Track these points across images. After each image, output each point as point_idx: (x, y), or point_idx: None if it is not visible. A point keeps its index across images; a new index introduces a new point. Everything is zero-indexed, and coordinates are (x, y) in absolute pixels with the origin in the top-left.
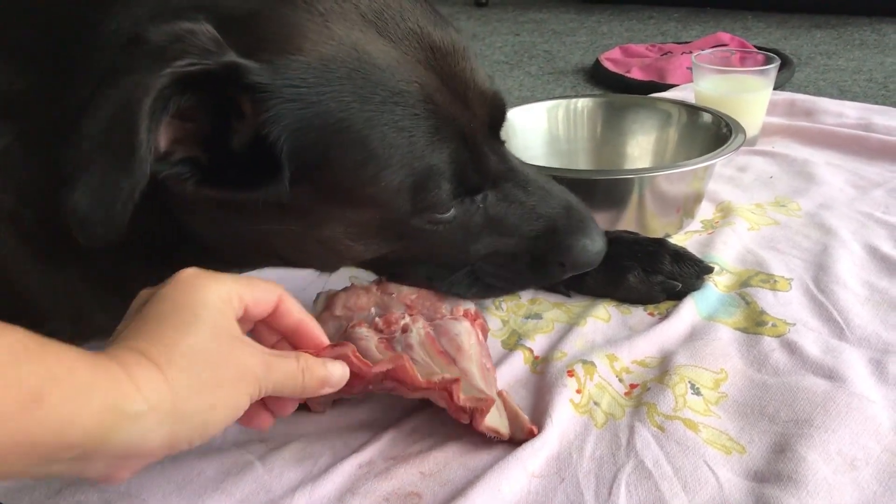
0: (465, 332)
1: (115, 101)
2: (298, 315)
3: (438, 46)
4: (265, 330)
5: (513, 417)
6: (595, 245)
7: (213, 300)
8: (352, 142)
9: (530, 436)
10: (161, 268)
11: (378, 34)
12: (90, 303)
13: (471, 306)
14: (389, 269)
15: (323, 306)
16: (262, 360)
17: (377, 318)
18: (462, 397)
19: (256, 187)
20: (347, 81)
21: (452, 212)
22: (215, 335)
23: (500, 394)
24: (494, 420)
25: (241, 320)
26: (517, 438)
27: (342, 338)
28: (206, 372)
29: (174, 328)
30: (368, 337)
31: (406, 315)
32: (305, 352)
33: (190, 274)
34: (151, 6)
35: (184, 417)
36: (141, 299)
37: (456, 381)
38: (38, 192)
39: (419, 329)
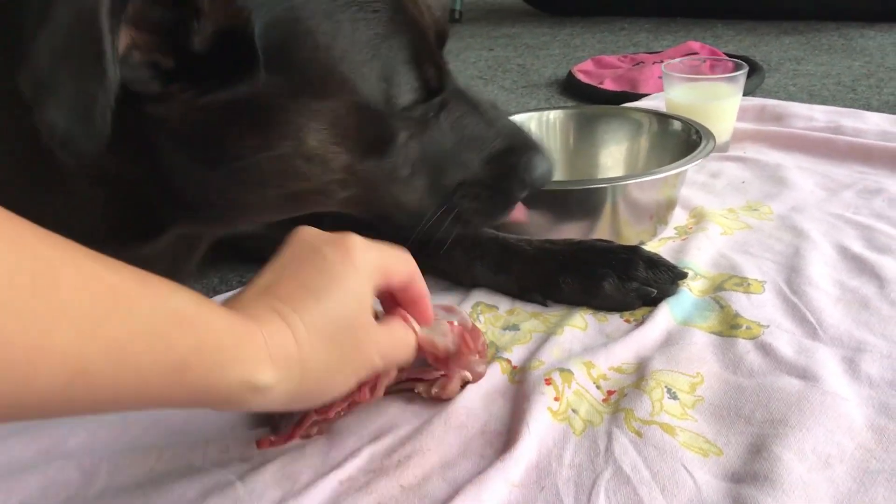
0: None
1: (72, 7)
2: (423, 290)
3: None
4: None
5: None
6: (546, 161)
7: (360, 268)
8: (321, 22)
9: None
10: (150, 229)
11: None
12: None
13: (454, 318)
14: (373, 212)
15: None
16: (387, 344)
17: None
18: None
19: (229, 85)
20: None
21: (412, 109)
22: (353, 310)
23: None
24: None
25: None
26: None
27: None
28: (335, 351)
29: (315, 294)
30: None
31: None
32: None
33: (342, 236)
34: None
35: (305, 391)
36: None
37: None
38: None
39: None
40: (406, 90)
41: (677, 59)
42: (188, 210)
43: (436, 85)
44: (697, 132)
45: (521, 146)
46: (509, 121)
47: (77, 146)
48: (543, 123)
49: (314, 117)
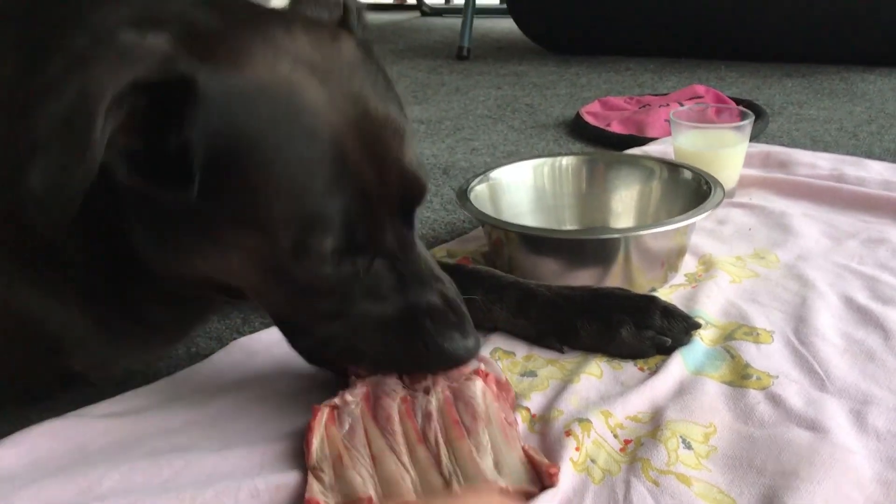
0: (479, 393)
1: (79, 90)
2: None
3: (372, 114)
4: None
5: (538, 467)
6: (464, 343)
7: None
8: (256, 162)
9: (553, 478)
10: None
11: (319, 83)
12: (93, 330)
13: (479, 364)
14: (287, 328)
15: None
16: None
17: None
18: None
19: (171, 188)
20: (270, 108)
21: (334, 266)
22: None
23: (523, 448)
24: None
25: None
26: (546, 486)
27: (374, 393)
28: None
29: None
30: (395, 393)
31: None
32: None
33: None
34: (132, 12)
35: None
36: None
37: None
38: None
39: (439, 394)
40: (320, 249)
41: (685, 107)
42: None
43: (363, 248)
44: (707, 182)
45: (435, 318)
46: (444, 290)
47: (48, 212)
48: (556, 168)
49: (233, 241)
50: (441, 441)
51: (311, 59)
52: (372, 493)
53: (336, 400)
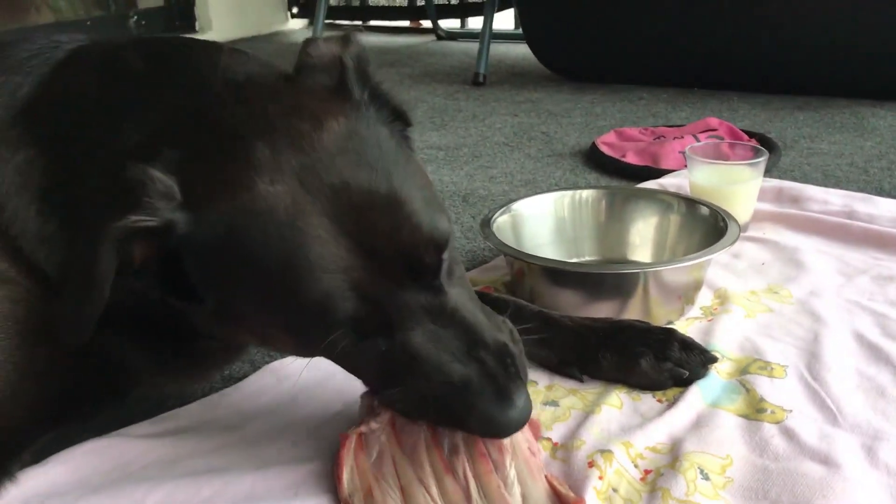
0: None
1: (86, 245)
2: None
3: (354, 200)
4: None
5: (564, 500)
6: (505, 415)
7: None
8: (248, 283)
9: None
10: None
11: (299, 185)
12: (144, 358)
13: None
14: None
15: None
16: None
17: None
18: None
19: (196, 302)
20: (249, 230)
21: (355, 350)
22: None
23: (548, 480)
24: None
25: None
26: None
27: (389, 431)
28: None
29: None
30: (419, 432)
31: None
32: None
33: None
34: (148, 127)
35: None
36: None
37: None
38: None
39: None
40: (331, 342)
41: (700, 143)
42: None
43: (372, 331)
44: (724, 219)
45: (476, 389)
46: (485, 351)
47: (71, 335)
48: (576, 201)
49: (266, 335)
50: (469, 474)
51: (289, 166)
52: None
53: (362, 427)
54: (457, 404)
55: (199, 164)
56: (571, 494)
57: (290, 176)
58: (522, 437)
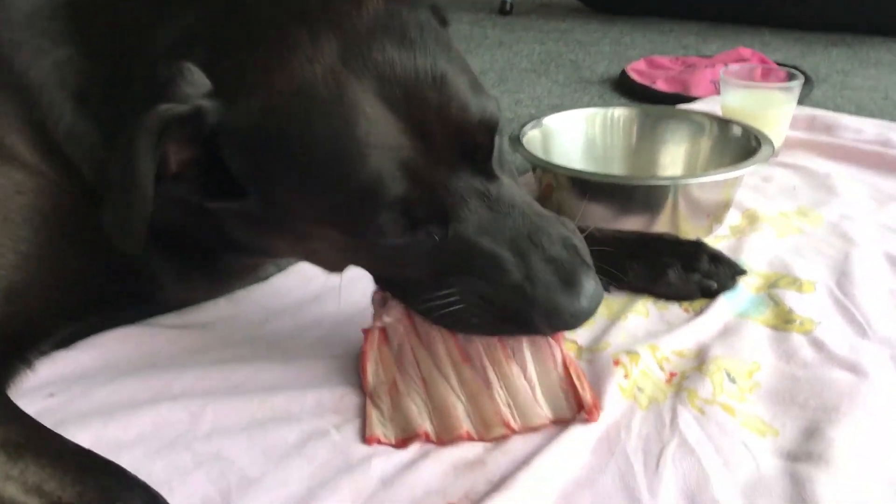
0: None
1: (123, 144)
2: None
3: (400, 76)
4: None
5: (580, 400)
6: (572, 304)
7: None
8: (291, 167)
9: (594, 415)
10: (220, 253)
11: (341, 63)
12: (170, 272)
13: None
14: (388, 284)
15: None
16: None
17: None
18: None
19: (237, 201)
20: (290, 111)
21: (405, 239)
22: None
23: (567, 375)
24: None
25: None
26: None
27: (406, 323)
28: None
29: None
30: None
31: None
32: None
33: None
34: (181, 27)
35: None
36: None
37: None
38: None
39: None
40: (381, 228)
41: (734, 66)
42: (245, 249)
43: (424, 217)
44: (757, 139)
45: (543, 283)
46: (550, 244)
47: (120, 244)
48: (608, 120)
49: (309, 233)
50: (486, 362)
51: (329, 47)
52: (428, 425)
53: (385, 318)
54: (519, 299)
55: (230, 53)
56: (588, 395)
57: (330, 55)
58: None
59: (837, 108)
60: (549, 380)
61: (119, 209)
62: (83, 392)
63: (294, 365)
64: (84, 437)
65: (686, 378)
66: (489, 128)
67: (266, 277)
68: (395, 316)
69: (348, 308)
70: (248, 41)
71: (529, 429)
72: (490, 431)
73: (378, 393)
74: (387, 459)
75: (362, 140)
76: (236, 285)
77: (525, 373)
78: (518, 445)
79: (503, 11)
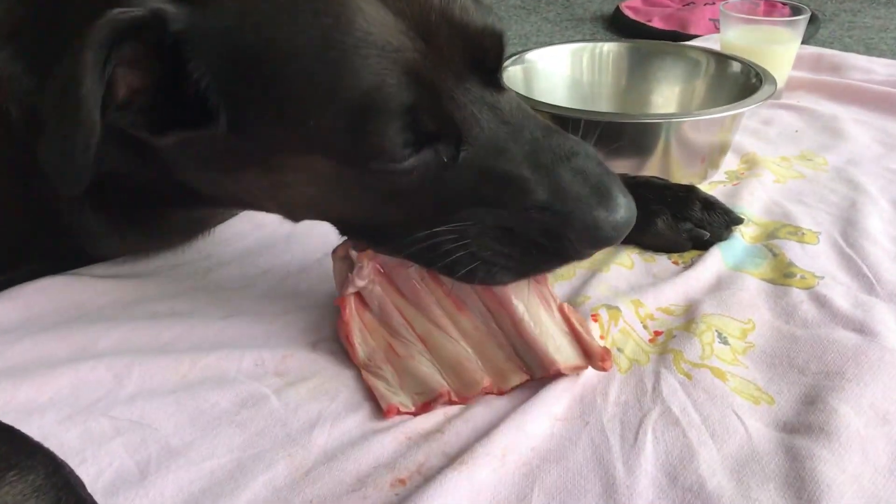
0: None
1: (66, 61)
2: None
3: None
4: None
5: (588, 349)
6: (611, 215)
7: None
8: (270, 77)
9: (607, 364)
10: (164, 206)
11: None
12: (104, 227)
13: None
14: (363, 230)
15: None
16: None
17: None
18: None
19: (199, 129)
20: (269, 11)
21: (410, 162)
22: None
23: (569, 325)
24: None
25: None
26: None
27: (384, 266)
28: None
29: None
30: (409, 275)
31: None
32: None
33: None
34: None
35: None
36: None
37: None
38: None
39: None
40: (385, 143)
41: (736, 0)
42: (192, 198)
43: (434, 130)
44: (758, 75)
45: (574, 197)
46: (575, 158)
47: (62, 179)
48: (596, 55)
49: (286, 165)
50: (483, 308)
51: None
52: (446, 384)
53: (358, 283)
54: (550, 220)
55: None
56: (594, 343)
57: None
58: None
59: (845, 48)
60: (550, 327)
61: (59, 139)
62: None
63: (235, 321)
64: None
65: (672, 338)
66: (496, 33)
67: (209, 232)
68: (367, 276)
69: (301, 258)
70: None
71: (547, 375)
72: (507, 381)
73: (375, 362)
74: (332, 428)
75: (361, 39)
76: (176, 241)
77: (516, 320)
78: (480, 412)
79: None
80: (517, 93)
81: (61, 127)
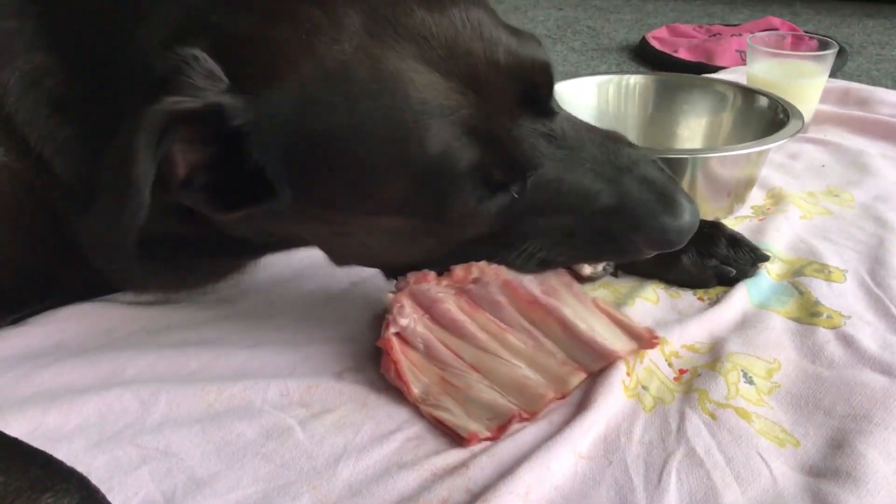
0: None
1: (119, 142)
2: None
3: (437, 34)
4: None
5: (635, 332)
6: (677, 221)
7: None
8: (338, 160)
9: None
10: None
11: (369, 36)
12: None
13: None
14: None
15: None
16: None
17: (443, 279)
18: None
19: (263, 202)
20: (328, 100)
21: (486, 206)
22: None
23: (608, 313)
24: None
25: None
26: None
27: (422, 304)
28: None
29: None
30: (445, 296)
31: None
32: None
33: None
34: (172, 22)
35: None
36: None
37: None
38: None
39: (493, 281)
40: (462, 202)
41: (762, 33)
42: (242, 248)
43: (504, 178)
44: (785, 110)
45: (640, 203)
46: (637, 167)
47: (102, 253)
48: (623, 88)
49: (357, 225)
50: (527, 324)
51: (349, 19)
52: (512, 405)
53: (392, 329)
54: (618, 226)
55: (237, 44)
56: (640, 326)
57: (355, 30)
58: (557, 281)
59: (873, 81)
60: (596, 322)
61: (107, 216)
62: (26, 374)
63: (261, 350)
64: (20, 425)
65: (697, 377)
66: (544, 64)
67: (241, 272)
68: (408, 315)
69: (327, 287)
70: (256, 29)
71: (604, 366)
72: (567, 384)
73: (432, 396)
74: (356, 462)
75: (419, 111)
76: (208, 282)
77: (565, 324)
78: (506, 448)
79: None
80: None
81: (112, 201)
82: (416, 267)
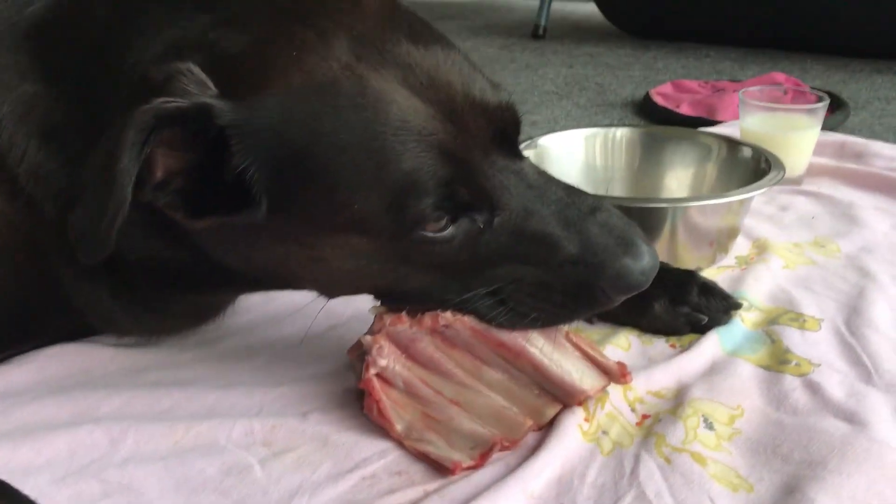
0: None
1: (107, 139)
2: None
3: (421, 65)
4: None
5: (606, 369)
6: (638, 263)
7: None
8: (318, 169)
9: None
10: (188, 291)
11: (357, 58)
12: (118, 311)
13: None
14: (400, 297)
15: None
16: None
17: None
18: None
19: (237, 212)
20: (313, 108)
21: (450, 231)
22: None
23: (579, 348)
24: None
25: None
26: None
27: (399, 344)
28: None
29: None
30: (421, 335)
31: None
32: None
33: None
34: (164, 42)
35: None
36: None
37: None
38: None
39: (461, 324)
40: (422, 217)
41: (756, 87)
42: (225, 279)
43: (470, 202)
44: (767, 161)
45: (602, 248)
46: (599, 214)
47: (86, 246)
48: (609, 140)
49: (326, 243)
50: (500, 360)
51: (338, 42)
52: (495, 432)
53: (373, 370)
54: (582, 271)
55: (233, 60)
56: (609, 361)
57: (344, 52)
58: None
59: (874, 136)
60: (566, 360)
61: (90, 207)
62: (5, 410)
63: (232, 391)
64: None
65: (658, 422)
66: (511, 107)
67: (220, 317)
68: (387, 356)
69: (303, 331)
70: (249, 47)
71: (577, 401)
72: (543, 415)
73: (416, 431)
74: (310, 499)
75: (399, 127)
76: (187, 326)
77: (537, 364)
78: (458, 488)
79: (536, 35)
80: None
81: (95, 196)
82: (396, 296)
